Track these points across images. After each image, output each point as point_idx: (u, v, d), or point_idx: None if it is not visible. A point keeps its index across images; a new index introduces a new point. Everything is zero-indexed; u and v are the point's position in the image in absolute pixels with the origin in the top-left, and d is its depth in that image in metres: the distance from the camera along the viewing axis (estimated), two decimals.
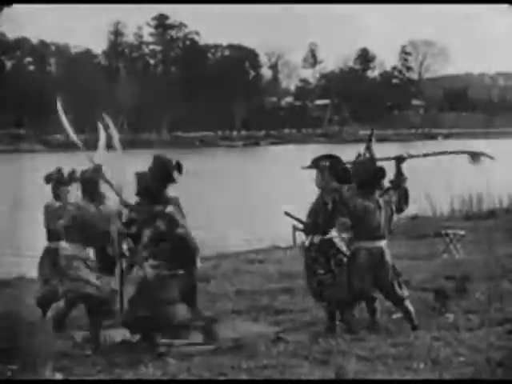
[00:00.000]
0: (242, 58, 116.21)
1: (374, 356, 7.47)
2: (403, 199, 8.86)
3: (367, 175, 8.62)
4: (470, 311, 9.27)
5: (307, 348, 7.90)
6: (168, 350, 8.02)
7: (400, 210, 8.88)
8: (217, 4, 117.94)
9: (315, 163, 8.97)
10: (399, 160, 8.90)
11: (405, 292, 8.68)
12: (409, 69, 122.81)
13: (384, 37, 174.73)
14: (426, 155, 9.38)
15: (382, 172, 8.69)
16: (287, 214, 9.37)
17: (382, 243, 8.59)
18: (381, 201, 8.61)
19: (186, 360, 7.72)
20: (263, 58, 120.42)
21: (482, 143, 66.87)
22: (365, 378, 6.85)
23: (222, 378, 7.09)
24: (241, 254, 16.43)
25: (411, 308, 8.63)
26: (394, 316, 9.26)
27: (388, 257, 8.57)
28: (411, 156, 9.00)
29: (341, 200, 8.57)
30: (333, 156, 9.09)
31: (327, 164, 8.88)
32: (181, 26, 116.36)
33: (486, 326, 8.45)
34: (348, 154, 9.40)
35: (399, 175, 8.87)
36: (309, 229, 9.00)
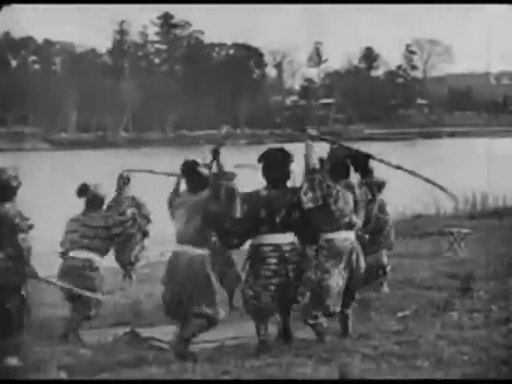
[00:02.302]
0: (247, 56, 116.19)
1: (378, 354, 7.46)
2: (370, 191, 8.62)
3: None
4: (474, 310, 9.25)
5: (311, 347, 7.90)
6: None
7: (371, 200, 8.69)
8: (221, 3, 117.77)
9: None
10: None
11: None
12: (413, 68, 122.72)
13: (388, 36, 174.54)
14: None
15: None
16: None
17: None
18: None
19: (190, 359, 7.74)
20: (268, 57, 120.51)
21: (486, 142, 66.93)
22: (369, 378, 6.85)
23: (225, 377, 7.09)
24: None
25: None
26: (399, 314, 9.26)
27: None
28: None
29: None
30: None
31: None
32: (185, 24, 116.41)
33: (491, 325, 8.44)
34: None
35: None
36: None
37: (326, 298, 7.96)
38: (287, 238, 8.01)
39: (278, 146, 8.60)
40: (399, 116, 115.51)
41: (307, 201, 7.91)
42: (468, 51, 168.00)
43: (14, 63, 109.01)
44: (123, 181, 9.94)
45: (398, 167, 8.35)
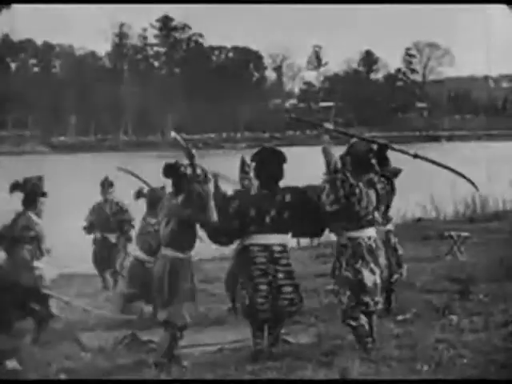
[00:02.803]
0: (246, 59, 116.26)
1: (377, 358, 7.46)
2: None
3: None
4: (473, 313, 9.26)
5: (311, 350, 7.89)
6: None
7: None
8: (220, 4, 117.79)
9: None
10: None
11: None
12: (413, 71, 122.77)
13: (388, 39, 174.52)
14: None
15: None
16: None
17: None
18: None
19: (190, 362, 7.74)
20: (267, 60, 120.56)
21: (485, 145, 66.93)
22: (368, 379, 6.86)
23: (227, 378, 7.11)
24: None
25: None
26: (399, 317, 9.25)
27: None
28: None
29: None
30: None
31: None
32: (185, 27, 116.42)
33: (490, 328, 8.44)
34: None
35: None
36: None
37: (363, 295, 7.82)
38: (277, 239, 7.93)
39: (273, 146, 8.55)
40: (399, 119, 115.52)
41: (329, 203, 7.74)
42: (467, 54, 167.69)
43: (13, 66, 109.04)
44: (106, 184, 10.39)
45: (416, 156, 8.27)
